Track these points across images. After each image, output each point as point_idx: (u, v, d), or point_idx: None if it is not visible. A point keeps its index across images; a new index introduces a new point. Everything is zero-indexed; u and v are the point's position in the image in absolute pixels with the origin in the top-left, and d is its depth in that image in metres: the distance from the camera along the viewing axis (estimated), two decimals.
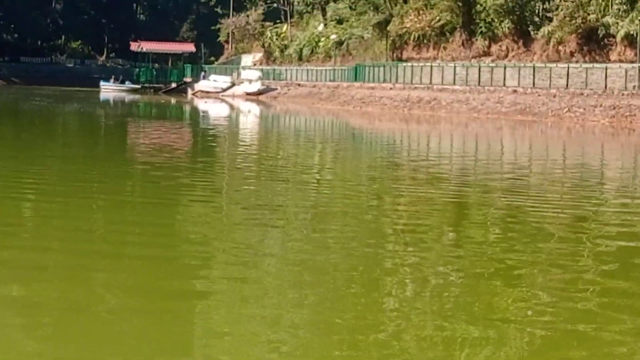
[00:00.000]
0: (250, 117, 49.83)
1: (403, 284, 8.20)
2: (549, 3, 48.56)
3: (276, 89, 70.63)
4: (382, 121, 44.19)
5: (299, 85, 68.71)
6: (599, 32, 45.15)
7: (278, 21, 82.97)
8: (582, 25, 45.47)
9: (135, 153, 22.69)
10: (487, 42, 52.09)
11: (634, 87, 40.72)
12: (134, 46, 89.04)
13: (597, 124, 39.15)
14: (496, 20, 51.31)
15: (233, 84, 74.57)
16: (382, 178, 18.08)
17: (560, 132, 36.50)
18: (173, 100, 68.10)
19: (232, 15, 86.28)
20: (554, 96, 43.54)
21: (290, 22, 79.52)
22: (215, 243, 10.10)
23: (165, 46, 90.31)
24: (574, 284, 8.32)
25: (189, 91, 77.61)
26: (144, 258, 9.01)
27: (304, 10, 79.52)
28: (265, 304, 7.30)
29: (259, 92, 70.33)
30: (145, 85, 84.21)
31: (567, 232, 11.33)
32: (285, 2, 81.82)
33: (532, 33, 49.57)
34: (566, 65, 44.54)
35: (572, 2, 45.96)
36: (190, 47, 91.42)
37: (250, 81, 72.61)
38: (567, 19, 45.82)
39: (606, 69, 42.31)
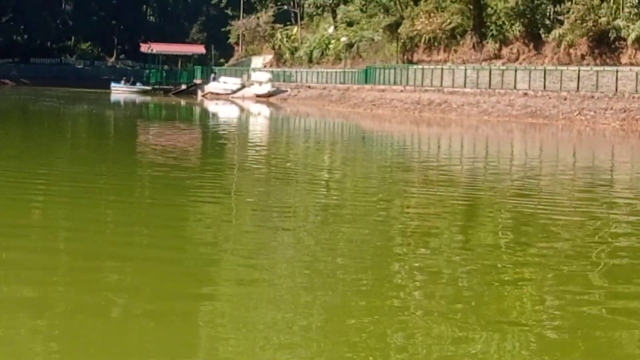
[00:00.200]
0: (260, 118, 49.83)
1: (413, 286, 8.15)
2: (560, 6, 48.42)
3: (286, 90, 70.63)
4: (393, 123, 44.13)
5: (309, 87, 68.69)
6: (609, 35, 45.01)
7: (288, 23, 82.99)
8: (593, 28, 45.33)
9: (145, 155, 22.69)
10: (497, 45, 51.97)
11: None
12: (143, 48, 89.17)
13: (607, 126, 39.03)
14: (507, 23, 51.19)
15: (243, 86, 74.58)
16: (392, 180, 18.03)
17: (571, 134, 36.40)
18: (183, 102, 68.17)
19: (242, 17, 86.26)
20: (565, 99, 43.42)
21: (301, 24, 79.52)
22: (225, 245, 10.08)
23: (175, 48, 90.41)
24: (584, 287, 8.27)
25: (199, 93, 77.65)
26: (153, 260, 8.99)
27: (314, 13, 79.49)
28: (275, 307, 7.27)
29: (269, 94, 70.34)
30: (155, 86, 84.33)
31: (577, 235, 11.26)
32: (296, 4, 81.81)
33: (543, 36, 49.45)
34: (577, 68, 44.41)
35: (583, 5, 45.83)
36: (200, 49, 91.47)
37: (260, 83, 72.61)
38: (578, 22, 45.69)
39: (617, 72, 42.18)
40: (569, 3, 47.19)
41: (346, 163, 23.06)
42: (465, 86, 49.71)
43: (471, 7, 53.23)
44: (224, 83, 76.75)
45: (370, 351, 6.23)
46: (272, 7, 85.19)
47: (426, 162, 23.26)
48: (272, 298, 7.60)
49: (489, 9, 52.82)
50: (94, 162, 20.02)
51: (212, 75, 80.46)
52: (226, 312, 7.25)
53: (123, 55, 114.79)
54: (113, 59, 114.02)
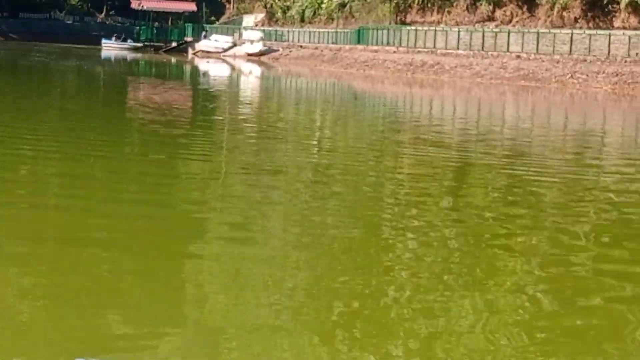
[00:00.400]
0: (251, 78, 49.60)
1: (403, 248, 8.14)
2: None
3: (278, 50, 70.24)
4: (385, 84, 43.99)
5: (301, 47, 68.31)
6: None
7: None
8: None
9: (135, 111, 22.57)
10: (491, 7, 51.71)
11: (637, 54, 40.49)
12: (134, 4, 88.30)
13: (599, 90, 38.98)
14: None
15: (234, 45, 74.13)
16: (384, 141, 17.98)
17: (563, 98, 36.34)
18: (174, 60, 67.78)
19: None
20: (557, 62, 43.32)
21: None
22: (214, 203, 10.04)
23: (166, 4, 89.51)
24: (574, 250, 8.27)
25: (190, 51, 77.14)
26: (142, 217, 8.93)
27: None
28: (265, 266, 7.24)
29: (261, 53, 69.95)
30: (146, 44, 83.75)
31: (567, 197, 11.26)
32: None
33: None
34: (570, 31, 44.26)
35: None
36: (191, 6, 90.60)
37: (251, 42, 72.16)
38: None
39: (610, 35, 42.05)
40: None
41: (337, 123, 22.98)
42: (458, 48, 49.53)
43: None
44: (215, 41, 76.24)
45: (358, 310, 6.22)
46: None
47: (418, 123, 23.19)
48: (262, 257, 7.57)
49: None
50: (84, 117, 19.90)
51: (203, 33, 79.89)
52: (215, 270, 7.22)
53: (113, 11, 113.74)
54: (103, 14, 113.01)
